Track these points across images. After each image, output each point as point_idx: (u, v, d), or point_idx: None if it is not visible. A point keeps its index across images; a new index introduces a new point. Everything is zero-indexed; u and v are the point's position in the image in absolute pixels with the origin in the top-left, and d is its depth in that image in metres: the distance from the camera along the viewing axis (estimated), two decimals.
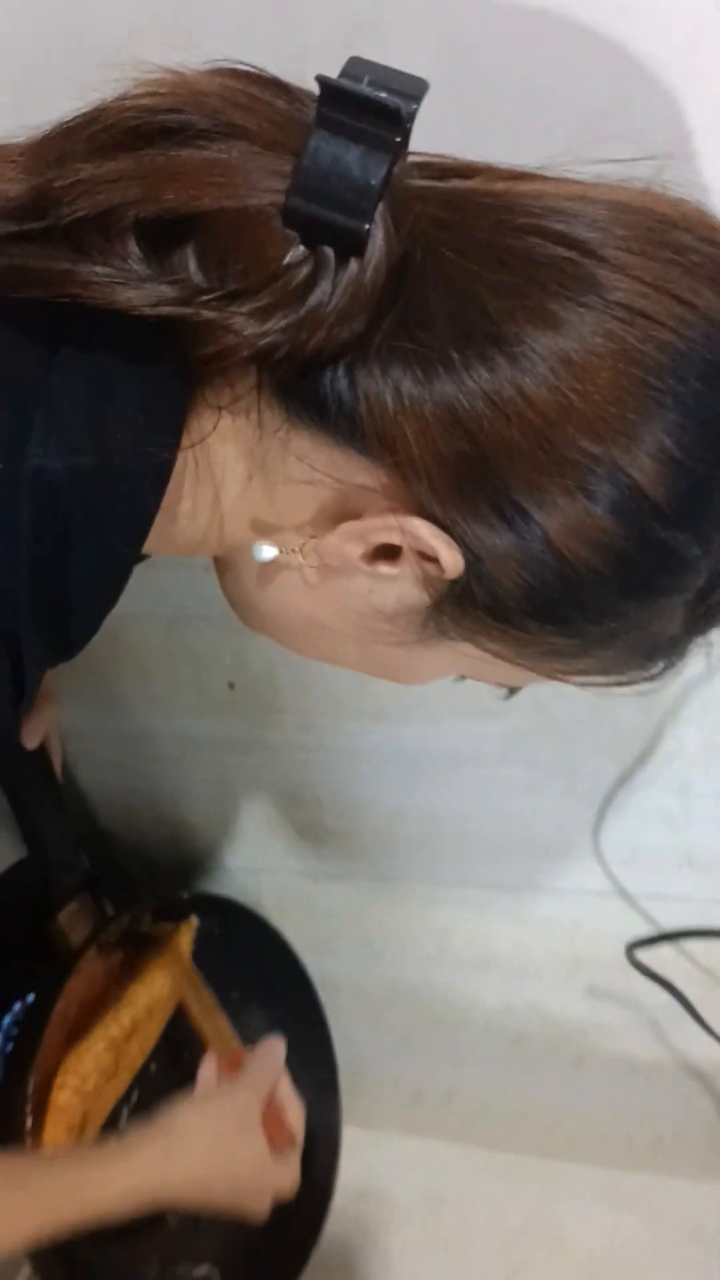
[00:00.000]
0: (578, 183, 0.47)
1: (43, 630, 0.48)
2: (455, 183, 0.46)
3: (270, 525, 0.49)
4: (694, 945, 0.88)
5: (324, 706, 0.88)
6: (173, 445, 0.47)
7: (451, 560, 0.45)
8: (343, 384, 0.44)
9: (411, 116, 0.42)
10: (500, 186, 0.46)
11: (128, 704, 0.96)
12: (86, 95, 0.45)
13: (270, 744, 0.93)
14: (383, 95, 0.41)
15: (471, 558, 0.45)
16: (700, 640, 0.50)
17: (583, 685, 0.51)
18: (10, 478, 0.45)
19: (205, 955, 0.98)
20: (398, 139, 0.42)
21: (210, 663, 0.90)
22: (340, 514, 0.47)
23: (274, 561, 0.50)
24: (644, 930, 0.91)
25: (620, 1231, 1.08)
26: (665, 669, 0.51)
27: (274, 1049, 0.89)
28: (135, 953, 0.97)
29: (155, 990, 0.95)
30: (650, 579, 0.45)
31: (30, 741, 0.79)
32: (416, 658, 0.52)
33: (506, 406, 0.42)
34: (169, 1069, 1.02)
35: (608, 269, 0.43)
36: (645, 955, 0.88)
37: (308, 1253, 1.01)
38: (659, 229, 0.44)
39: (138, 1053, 0.94)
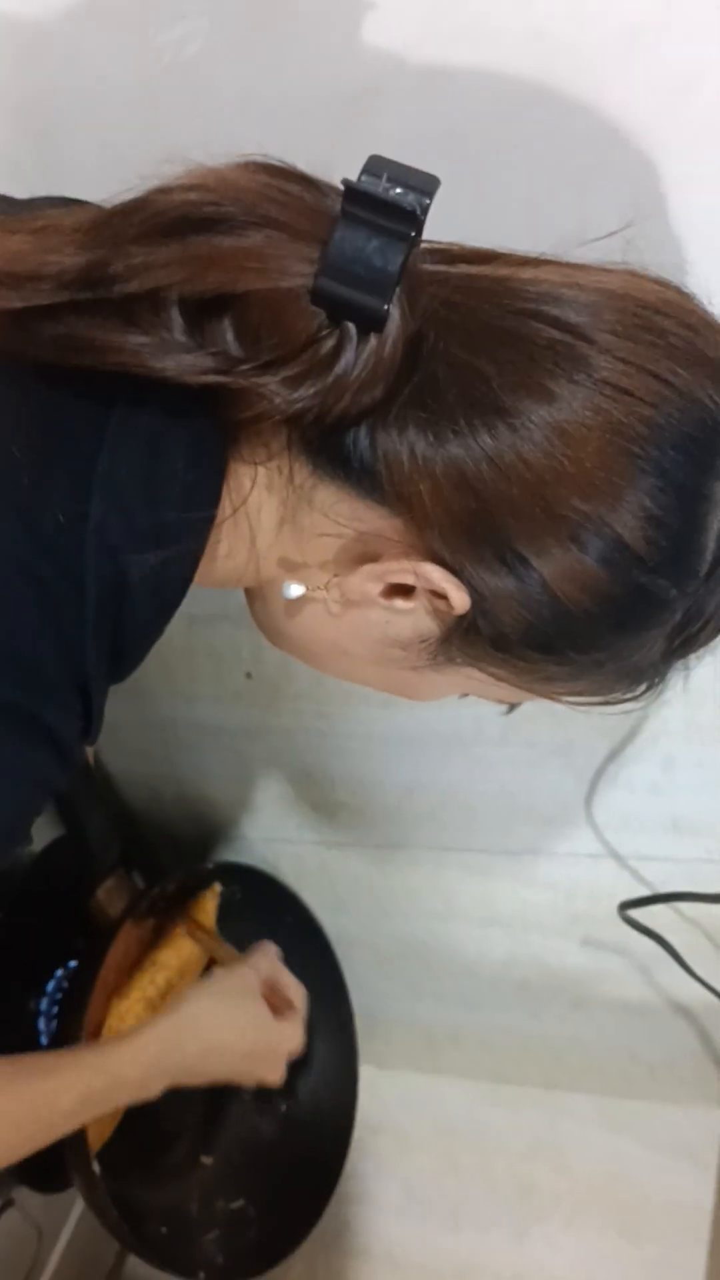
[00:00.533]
0: (570, 267, 0.52)
1: (102, 669, 0.53)
2: (463, 268, 0.52)
3: (297, 564, 0.55)
4: (679, 903, 0.94)
5: (336, 695, 0.94)
6: (216, 501, 0.53)
7: (460, 600, 0.51)
8: (364, 444, 0.50)
9: (425, 211, 0.48)
10: (504, 273, 0.51)
11: (152, 696, 1.01)
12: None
13: (285, 729, 0.98)
14: (398, 196, 0.47)
15: (477, 597, 0.51)
16: (680, 665, 0.56)
17: (574, 705, 0.57)
18: (75, 537, 0.50)
19: (229, 918, 1.05)
20: (412, 233, 0.47)
21: (228, 656, 0.96)
22: (361, 556, 0.53)
23: (301, 596, 0.56)
24: (634, 886, 0.97)
25: (618, 1153, 1.16)
26: (648, 690, 0.56)
27: (266, 946, 0.99)
28: (166, 919, 1.04)
29: (185, 953, 1.02)
30: (633, 616, 0.51)
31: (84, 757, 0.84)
32: (427, 680, 0.58)
33: (507, 469, 0.48)
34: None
35: (596, 350, 0.48)
36: (635, 913, 0.95)
37: (332, 1184, 1.08)
38: (642, 314, 0.50)
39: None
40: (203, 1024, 0.87)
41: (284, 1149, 1.07)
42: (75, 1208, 1.03)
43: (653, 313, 0.50)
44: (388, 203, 0.47)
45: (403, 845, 1.04)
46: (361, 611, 0.55)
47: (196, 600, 0.55)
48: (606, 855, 0.97)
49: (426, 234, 0.52)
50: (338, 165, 0.51)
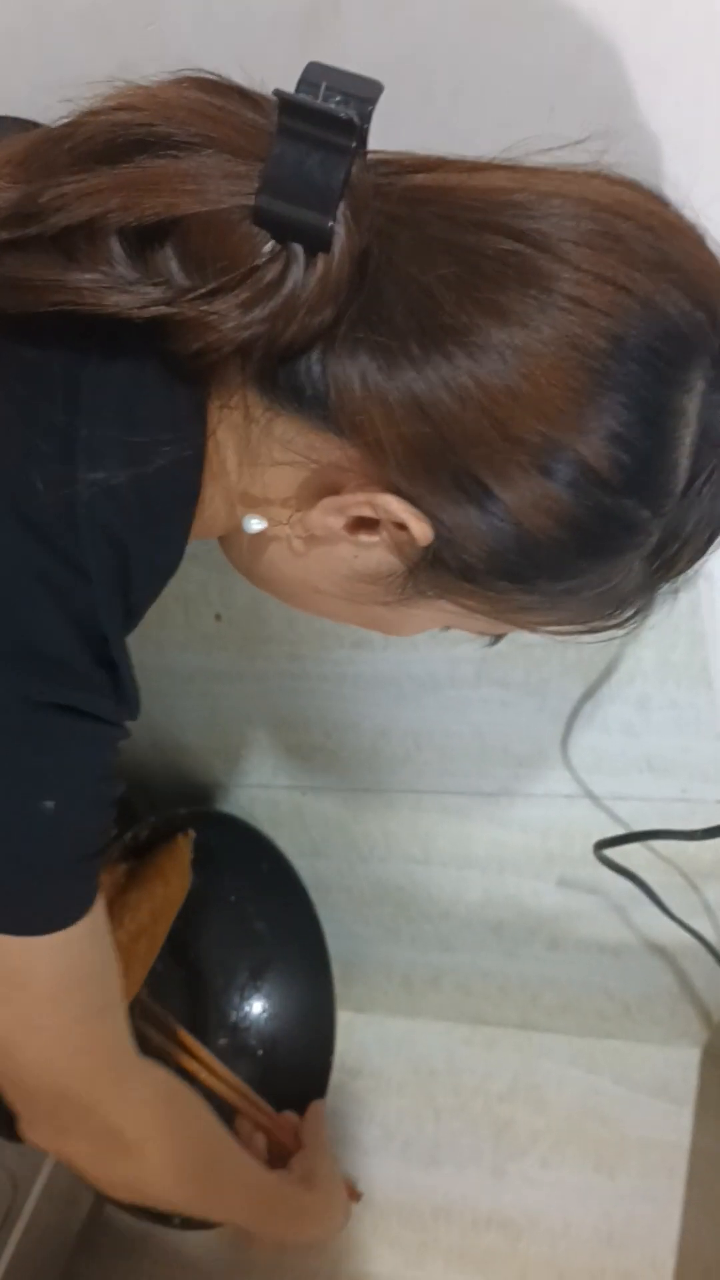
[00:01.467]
0: (525, 172, 0.50)
1: (121, 643, 0.54)
2: (411, 179, 0.49)
3: (258, 500, 0.54)
4: (654, 842, 0.94)
5: (309, 637, 0.93)
6: (201, 456, 0.52)
7: (421, 531, 0.49)
8: (316, 372, 0.48)
9: (366, 119, 0.45)
10: (453, 181, 0.49)
11: None
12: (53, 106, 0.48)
13: (258, 673, 0.97)
14: (337, 108, 0.45)
15: (440, 527, 0.49)
16: (664, 589, 0.55)
17: (557, 635, 0.56)
18: (69, 522, 0.49)
19: (204, 864, 1.05)
20: (354, 144, 0.45)
21: (197, 600, 0.94)
22: (321, 489, 0.52)
23: (264, 533, 0.54)
24: (609, 826, 0.97)
25: (595, 1091, 1.17)
26: (634, 617, 0.55)
27: (320, 1115, 1.06)
28: (138, 864, 1.04)
29: (159, 896, 1.01)
30: (604, 541, 0.50)
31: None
32: (401, 614, 0.57)
33: (462, 393, 0.46)
34: (174, 967, 1.10)
35: (551, 259, 0.46)
36: (610, 852, 0.95)
37: None
38: (600, 217, 0.47)
39: (146, 953, 1.00)
40: (331, 1211, 0.98)
41: (263, 1093, 1.07)
42: (49, 1157, 1.03)
43: (611, 215, 0.48)
44: (326, 114, 0.44)
45: (378, 789, 1.04)
46: (327, 547, 0.54)
47: None
48: (581, 795, 0.96)
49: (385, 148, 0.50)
50: (293, 82, 0.49)
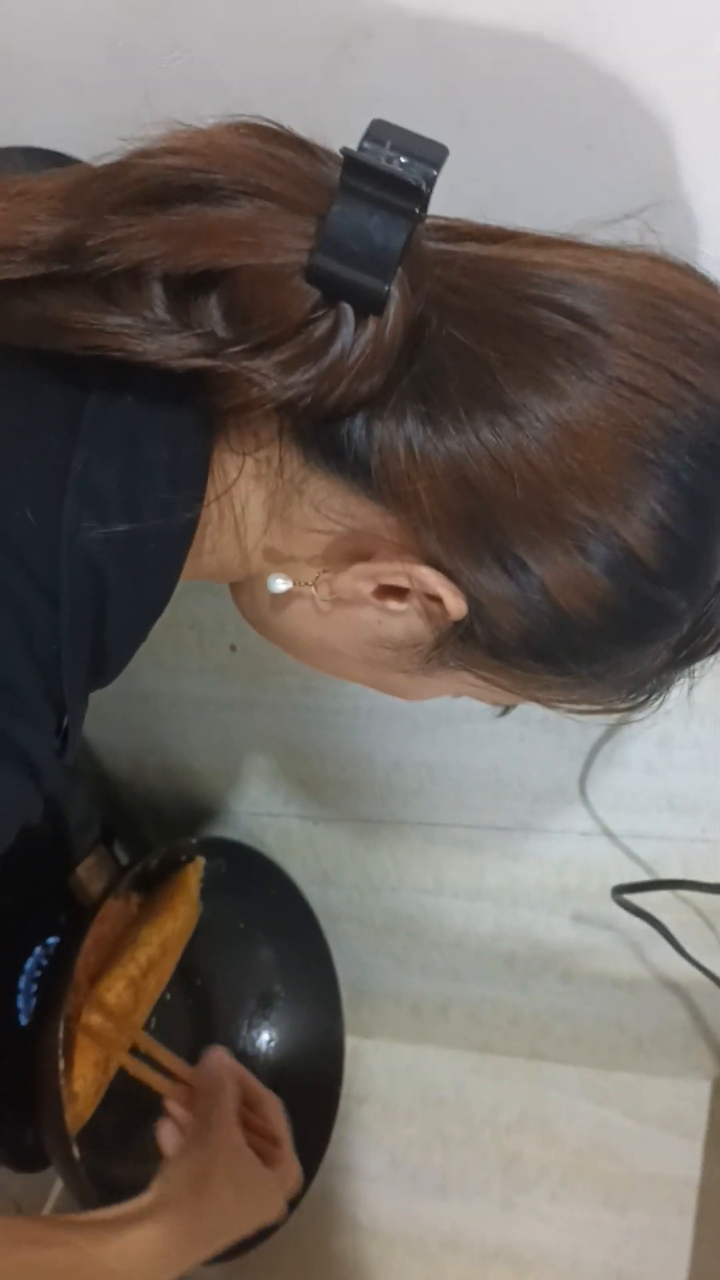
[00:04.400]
0: (587, 250, 0.48)
1: (83, 680, 0.50)
2: (471, 248, 0.48)
3: (285, 559, 0.52)
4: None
5: None
6: (199, 499, 0.49)
7: (455, 606, 0.48)
8: (360, 436, 0.46)
9: (431, 185, 0.44)
10: (514, 255, 0.48)
11: (134, 668, 0.97)
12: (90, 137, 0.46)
13: (271, 703, 0.96)
14: (403, 170, 0.43)
15: (474, 602, 0.48)
16: (684, 675, 0.53)
17: (572, 712, 0.54)
18: (48, 545, 0.46)
19: (214, 892, 1.04)
20: (417, 209, 0.43)
21: (212, 628, 0.93)
22: (353, 553, 0.50)
23: (288, 591, 0.53)
24: (626, 864, 0.96)
25: (605, 1124, 1.16)
26: (649, 699, 0.54)
27: (215, 1062, 0.89)
28: (148, 894, 1.02)
29: (168, 929, 1.00)
30: (639, 629, 0.48)
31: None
32: (419, 682, 0.55)
33: (510, 469, 0.45)
34: (181, 996, 1.09)
35: (610, 344, 0.45)
36: (629, 896, 0.94)
37: (320, 1155, 1.08)
38: (661, 305, 0.46)
39: (155, 986, 0.99)
40: (206, 1218, 0.77)
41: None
42: (55, 1186, 1.03)
43: (672, 305, 0.46)
44: (391, 176, 0.43)
45: (390, 820, 1.03)
46: (352, 610, 0.52)
47: None
48: (599, 833, 0.95)
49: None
50: (324, 113, 0.47)
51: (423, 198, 0.43)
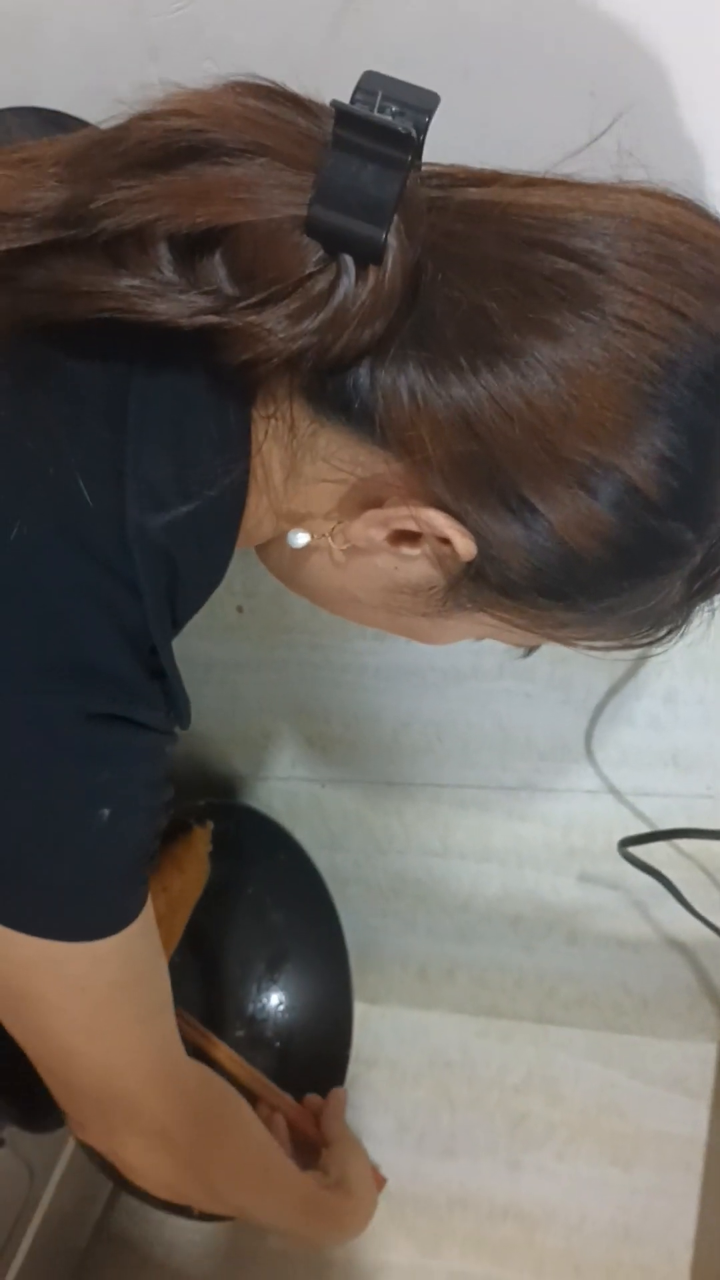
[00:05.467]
0: (580, 187, 0.49)
1: (169, 652, 0.54)
2: (465, 194, 0.49)
3: (303, 515, 0.54)
4: (679, 840, 0.94)
5: (331, 628, 0.92)
6: (245, 465, 0.51)
7: (464, 546, 0.49)
8: (364, 385, 0.48)
9: (423, 133, 0.45)
10: (508, 197, 0.48)
11: None
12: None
13: (279, 662, 0.97)
14: (394, 120, 0.44)
15: (483, 543, 0.49)
16: (702, 608, 0.54)
17: (591, 650, 0.55)
18: (117, 539, 0.49)
19: (222, 857, 1.04)
20: (409, 157, 0.44)
21: (219, 589, 0.93)
22: (364, 502, 0.51)
23: (307, 545, 0.54)
24: (632, 822, 0.97)
25: (611, 1084, 1.17)
26: (669, 635, 0.55)
27: (341, 1101, 1.04)
28: (158, 856, 1.03)
29: (175, 887, 1.00)
30: (647, 563, 0.49)
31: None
32: (439, 625, 0.57)
33: (511, 411, 0.46)
34: (191, 959, 1.09)
35: (605, 280, 0.46)
36: (635, 849, 0.94)
37: None
38: (656, 239, 0.47)
39: (164, 945, 1.00)
40: (367, 1212, 0.93)
41: (279, 1085, 1.07)
42: (67, 1146, 1.03)
43: (667, 238, 0.47)
44: (382, 126, 0.44)
45: (397, 781, 1.03)
46: (368, 558, 0.54)
47: None
48: (605, 791, 0.96)
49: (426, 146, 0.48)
50: (330, 65, 0.48)
51: (414, 146, 0.44)
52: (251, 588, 0.92)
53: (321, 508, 0.53)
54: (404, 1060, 1.22)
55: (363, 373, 0.48)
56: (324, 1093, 1.07)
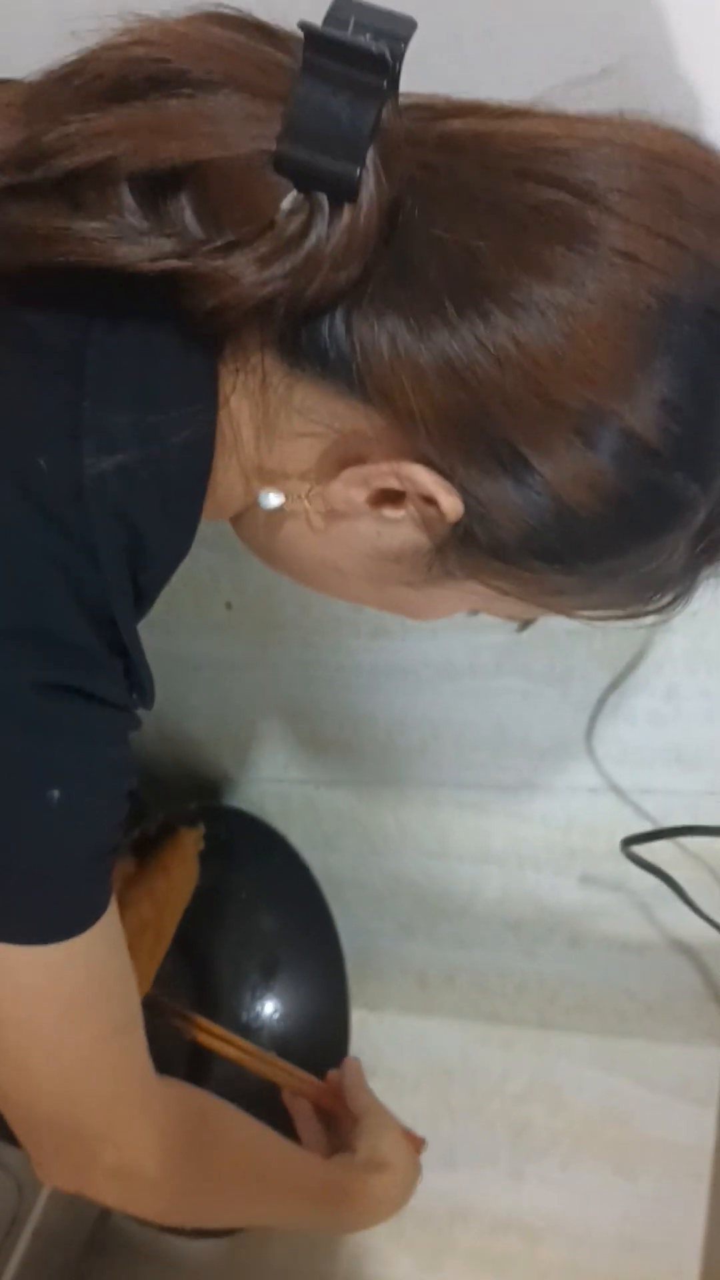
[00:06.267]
0: (570, 118, 0.46)
1: (134, 624, 0.51)
2: (447, 124, 0.45)
3: (275, 474, 0.50)
4: (682, 838, 0.91)
5: (323, 625, 0.89)
6: (213, 425, 0.48)
7: (451, 505, 0.46)
8: (340, 332, 0.45)
9: (399, 58, 0.42)
10: (491, 126, 0.45)
11: None
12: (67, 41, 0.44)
13: (270, 662, 0.94)
14: (368, 42, 0.41)
15: (472, 501, 0.46)
16: (708, 573, 0.51)
17: (591, 619, 0.52)
18: (76, 503, 0.46)
19: (214, 861, 1.02)
20: (384, 84, 0.41)
21: (207, 585, 0.91)
22: (343, 460, 0.48)
23: (281, 509, 0.51)
24: (634, 820, 0.94)
25: (615, 1091, 1.14)
26: (675, 601, 0.51)
27: (357, 1071, 0.99)
28: (144, 860, 1.00)
29: (159, 888, 0.98)
30: (649, 518, 0.46)
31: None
32: (428, 596, 0.53)
33: (501, 356, 0.43)
34: (183, 966, 1.07)
35: (600, 212, 0.43)
36: (638, 848, 0.92)
37: None
38: (652, 167, 0.44)
39: (153, 949, 0.97)
40: (405, 1185, 0.88)
41: (276, 1094, 1.04)
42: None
43: (664, 165, 0.44)
44: (355, 49, 0.40)
45: (393, 782, 1.01)
46: (349, 523, 0.50)
47: None
48: (606, 789, 0.93)
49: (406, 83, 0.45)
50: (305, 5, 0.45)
51: (389, 71, 0.41)
52: (240, 584, 0.89)
53: (297, 467, 0.49)
54: (403, 1068, 1.20)
55: (338, 320, 0.44)
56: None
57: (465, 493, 0.46)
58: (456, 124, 0.45)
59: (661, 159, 0.44)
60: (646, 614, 0.52)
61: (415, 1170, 0.91)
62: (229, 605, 0.92)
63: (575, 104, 0.46)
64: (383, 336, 0.44)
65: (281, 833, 1.08)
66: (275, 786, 1.06)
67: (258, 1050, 1.00)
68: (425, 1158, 1.12)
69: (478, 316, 0.43)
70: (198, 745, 1.05)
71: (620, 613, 0.52)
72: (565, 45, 0.60)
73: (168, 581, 0.53)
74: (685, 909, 0.96)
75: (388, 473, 0.46)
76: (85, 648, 0.48)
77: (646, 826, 0.92)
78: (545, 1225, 1.08)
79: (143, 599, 0.51)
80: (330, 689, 0.94)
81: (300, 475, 0.50)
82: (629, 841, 0.90)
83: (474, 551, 0.48)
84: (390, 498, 0.48)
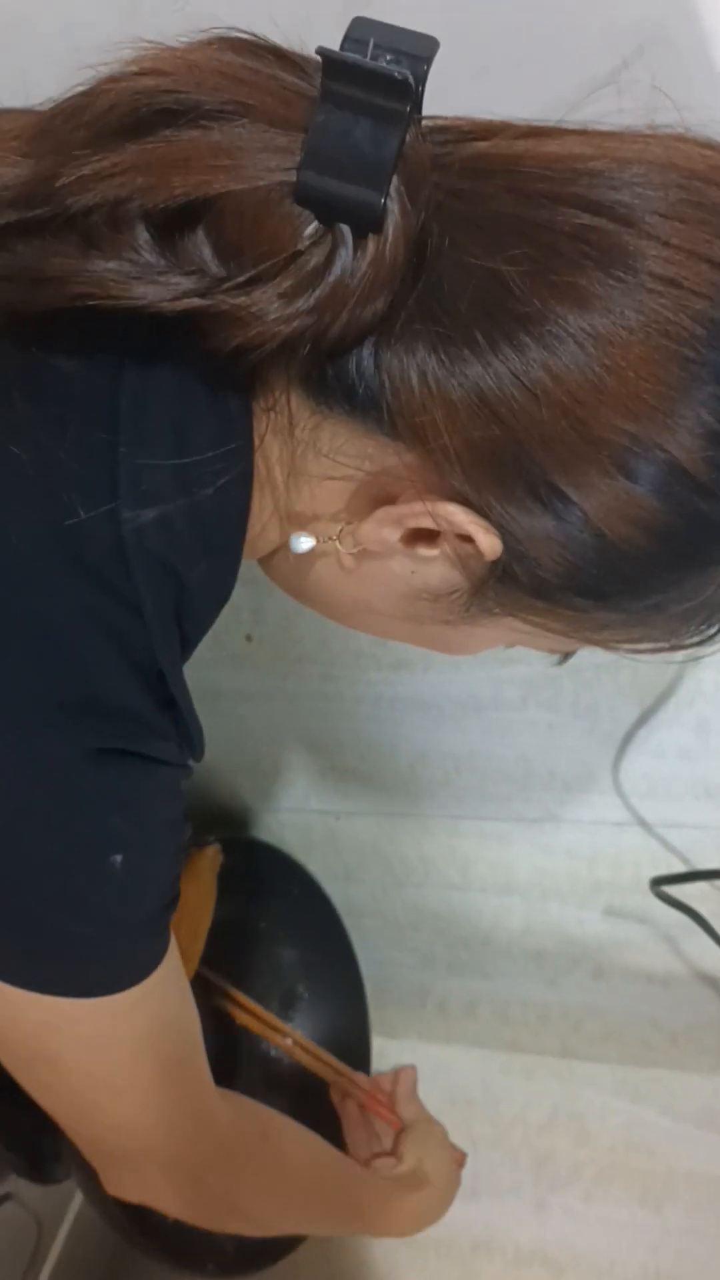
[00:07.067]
0: (600, 135, 0.44)
1: (179, 679, 0.49)
2: (473, 147, 0.43)
3: (306, 516, 0.49)
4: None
5: (344, 658, 0.88)
6: (250, 473, 0.47)
7: (489, 544, 0.44)
8: (368, 368, 0.43)
9: (421, 81, 0.40)
10: (519, 148, 0.43)
11: None
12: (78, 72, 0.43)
13: (290, 693, 0.93)
14: (389, 66, 0.39)
15: (510, 539, 0.44)
16: None
17: (636, 653, 0.50)
18: (117, 559, 0.44)
19: (233, 891, 1.00)
20: (407, 109, 0.39)
21: (226, 617, 0.88)
22: (375, 499, 0.46)
23: (313, 550, 0.49)
24: (661, 854, 0.93)
25: (639, 1122, 1.12)
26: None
27: (413, 1080, 1.01)
28: None
29: (175, 919, 0.97)
30: (696, 551, 0.44)
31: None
32: (466, 633, 0.51)
33: (536, 389, 0.41)
34: (203, 999, 1.06)
35: (636, 235, 0.41)
36: (667, 888, 0.90)
37: None
38: (692, 186, 0.42)
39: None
40: (445, 1199, 0.89)
41: (322, 1090, 1.03)
42: (75, 1198, 1.00)
43: (703, 184, 0.42)
44: (375, 73, 0.38)
45: (414, 814, 0.99)
46: (382, 563, 0.48)
47: None
48: (633, 823, 0.92)
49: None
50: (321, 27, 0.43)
51: (413, 95, 0.39)
52: (261, 616, 0.88)
53: (329, 508, 0.48)
54: (424, 1097, 1.17)
55: (366, 355, 0.43)
56: (343, 1141, 1.04)
57: (503, 530, 0.44)
58: (483, 146, 0.43)
59: (701, 177, 0.42)
60: (691, 645, 0.50)
61: (454, 1186, 0.91)
62: (249, 638, 0.90)
63: (608, 118, 0.44)
64: (412, 370, 0.42)
65: (301, 863, 1.06)
66: (296, 817, 1.04)
67: (313, 1046, 0.99)
68: None
69: (511, 348, 0.41)
70: (216, 776, 1.03)
71: (666, 645, 0.50)
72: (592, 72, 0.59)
73: (211, 625, 0.52)
74: (711, 942, 0.94)
75: (421, 512, 0.44)
76: (137, 710, 0.47)
77: (673, 861, 0.91)
78: (569, 1258, 1.06)
79: (188, 645, 0.50)
80: (351, 721, 0.93)
81: (331, 516, 0.48)
82: (658, 882, 0.89)
83: (513, 589, 0.46)
84: (424, 536, 0.46)
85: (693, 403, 0.41)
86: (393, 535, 0.46)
